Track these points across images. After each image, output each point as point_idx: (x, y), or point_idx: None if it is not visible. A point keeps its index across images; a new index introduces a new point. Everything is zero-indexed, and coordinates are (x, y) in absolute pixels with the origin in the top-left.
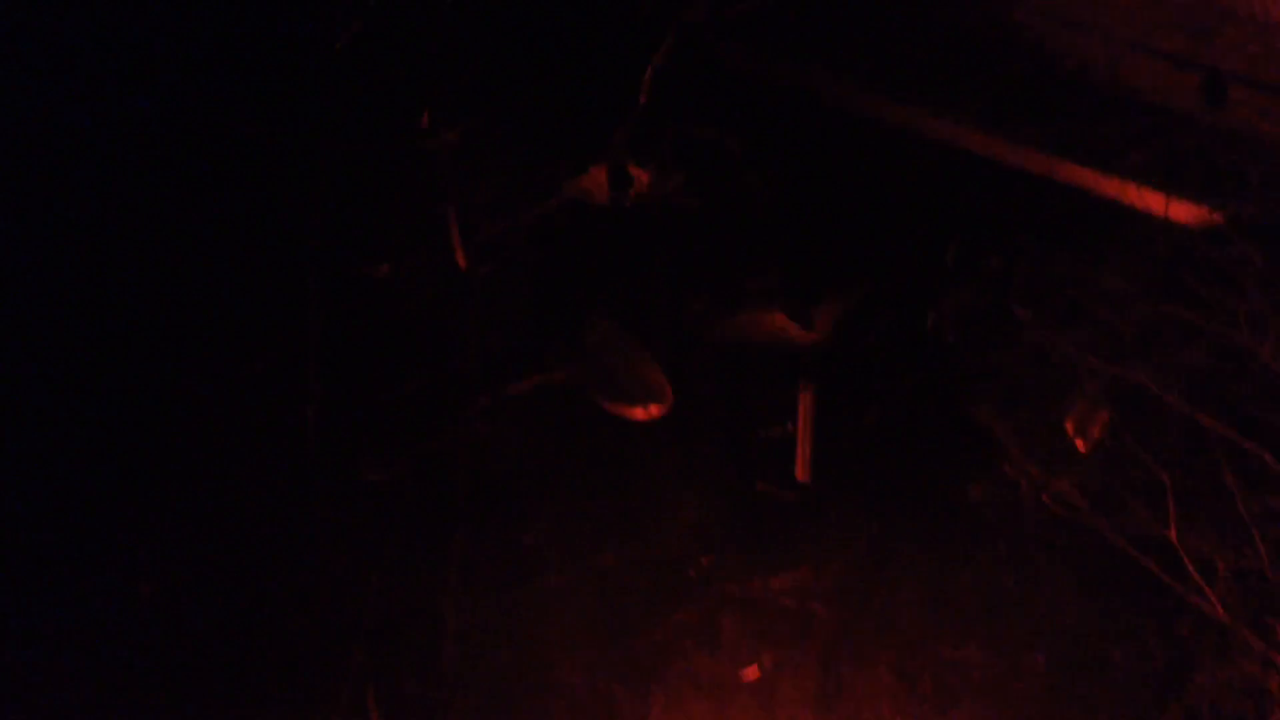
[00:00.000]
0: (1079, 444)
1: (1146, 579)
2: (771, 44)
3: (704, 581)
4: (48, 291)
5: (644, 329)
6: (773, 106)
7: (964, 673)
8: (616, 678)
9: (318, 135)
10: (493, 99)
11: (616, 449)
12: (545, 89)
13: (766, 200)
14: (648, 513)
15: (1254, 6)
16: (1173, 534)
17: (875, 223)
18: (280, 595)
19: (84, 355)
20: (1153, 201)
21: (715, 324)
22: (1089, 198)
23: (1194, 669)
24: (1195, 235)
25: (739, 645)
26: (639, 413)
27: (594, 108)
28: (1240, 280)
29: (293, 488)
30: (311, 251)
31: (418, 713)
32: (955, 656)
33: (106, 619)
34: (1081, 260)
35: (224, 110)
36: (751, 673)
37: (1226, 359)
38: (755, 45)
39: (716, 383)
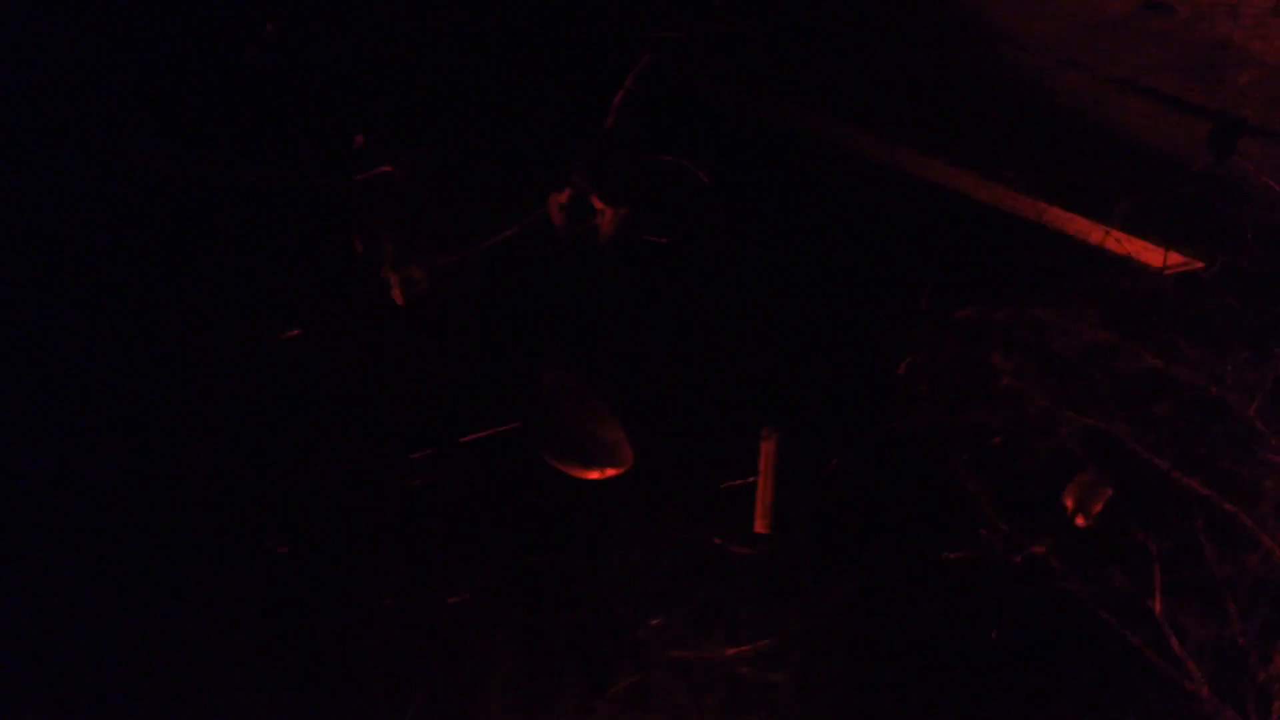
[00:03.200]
0: (1079, 520)
1: (1126, 649)
2: (747, 70)
3: (652, 646)
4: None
5: (602, 379)
6: (744, 136)
7: None
8: None
9: (227, 161)
10: (439, 119)
11: (560, 497)
12: (500, 109)
13: (735, 235)
14: (591, 570)
15: (1262, 47)
16: (1157, 606)
17: (848, 262)
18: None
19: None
20: (1135, 249)
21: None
22: (1070, 242)
23: None
24: (1176, 284)
25: (690, 718)
26: (594, 473)
27: (555, 131)
28: (1218, 332)
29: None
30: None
31: None
32: None
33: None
34: (1060, 308)
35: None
36: None
37: (1201, 411)
38: (730, 71)
39: (672, 428)
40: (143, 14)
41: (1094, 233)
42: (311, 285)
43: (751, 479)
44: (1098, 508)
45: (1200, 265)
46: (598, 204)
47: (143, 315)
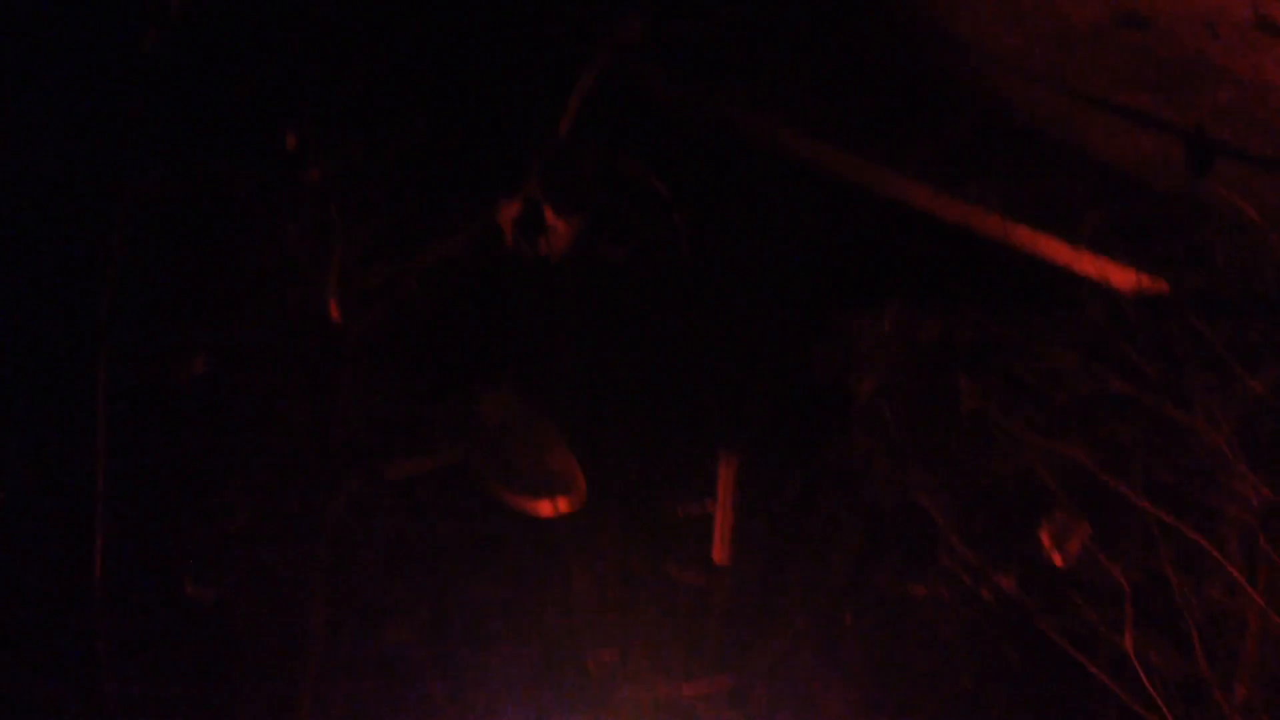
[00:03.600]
0: (1056, 559)
1: (1095, 686)
2: (704, 77)
3: (604, 683)
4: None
5: (549, 402)
6: (703, 148)
7: None
8: None
9: (133, 162)
10: (380, 117)
11: (504, 524)
12: (446, 109)
13: (692, 249)
14: (539, 601)
15: (1239, 63)
16: (1128, 641)
17: (808, 279)
18: None
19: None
20: (1100, 269)
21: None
22: (1034, 262)
23: None
24: (1140, 305)
25: None
26: (544, 507)
27: (505, 135)
28: (1185, 356)
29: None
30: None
31: None
32: None
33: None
34: (1024, 328)
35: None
36: None
37: (1168, 437)
38: (687, 77)
39: (624, 453)
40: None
41: (1060, 252)
42: (232, 300)
43: (709, 505)
44: (1075, 546)
45: (1167, 287)
46: (550, 214)
47: (41, 335)
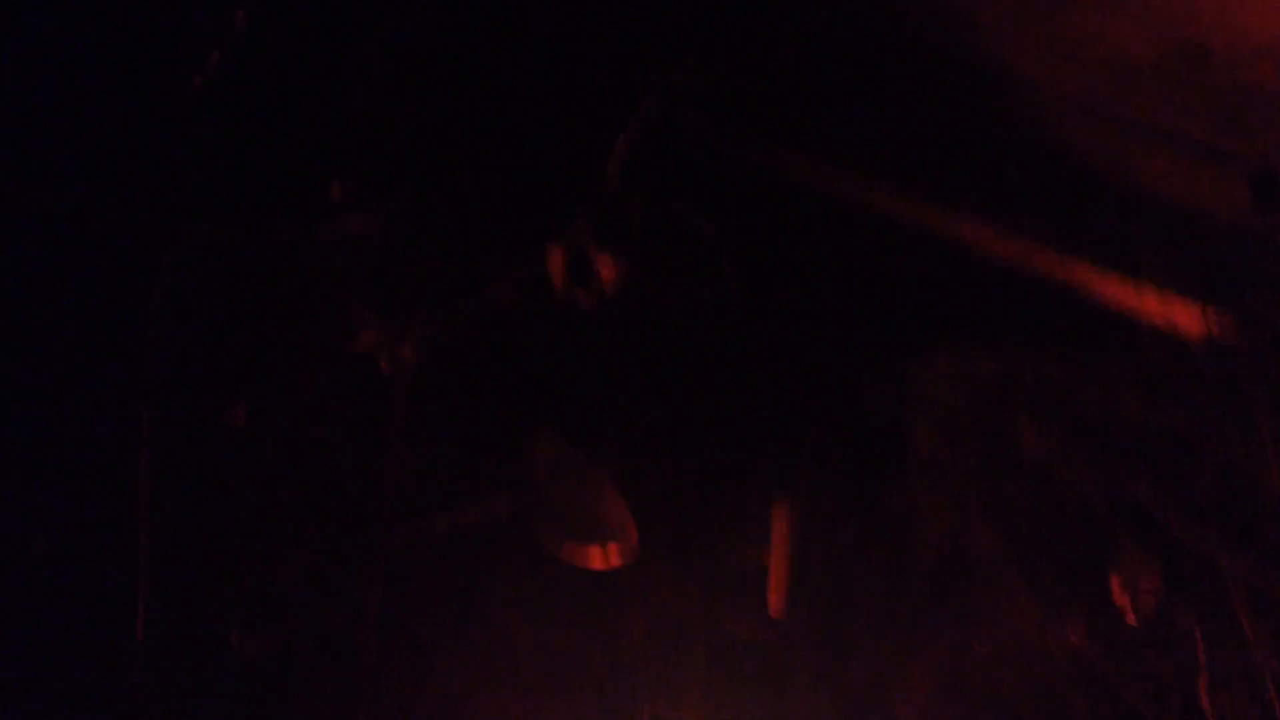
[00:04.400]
0: (1128, 610)
1: None
2: (755, 118)
3: None
4: None
5: (602, 451)
6: (752, 187)
7: None
8: None
9: (182, 209)
10: (427, 164)
11: (555, 573)
12: (494, 155)
13: (741, 293)
14: (593, 657)
15: None
16: (1202, 694)
17: (861, 322)
18: None
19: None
20: (1163, 308)
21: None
22: (1095, 302)
23: None
24: (1206, 345)
25: None
26: (596, 559)
27: (553, 181)
28: (1250, 395)
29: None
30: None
31: None
32: None
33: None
34: (1085, 370)
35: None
36: None
37: (1233, 479)
38: (736, 119)
39: (677, 502)
40: (71, 30)
41: (1122, 291)
42: (279, 349)
43: (763, 556)
44: (1148, 597)
45: (1233, 326)
46: (599, 260)
47: (83, 383)
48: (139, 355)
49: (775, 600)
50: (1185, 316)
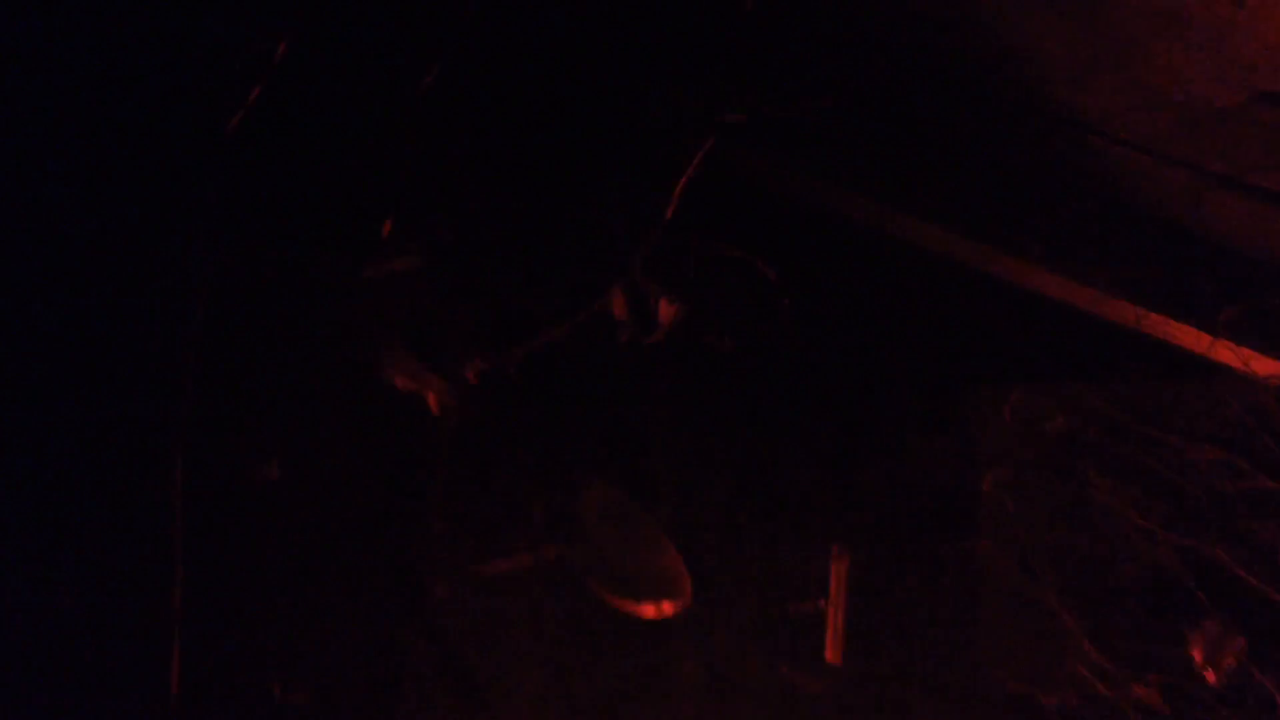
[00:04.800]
0: (1209, 675)
1: None
2: (817, 160)
3: None
4: None
5: (655, 497)
6: (813, 231)
7: None
8: None
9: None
10: (478, 203)
11: (607, 621)
12: (547, 194)
13: (800, 336)
14: (646, 706)
15: None
16: None
17: (924, 367)
18: None
19: None
20: (1238, 358)
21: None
22: (1170, 351)
23: None
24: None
25: None
26: (649, 610)
27: (606, 221)
28: None
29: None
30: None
31: None
32: None
33: None
34: (1156, 420)
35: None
36: None
37: None
38: (799, 159)
39: (730, 547)
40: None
41: (1196, 340)
42: (315, 399)
43: (821, 603)
44: (1230, 661)
45: None
46: (654, 302)
47: (115, 440)
48: (172, 405)
49: (833, 648)
50: (1262, 366)
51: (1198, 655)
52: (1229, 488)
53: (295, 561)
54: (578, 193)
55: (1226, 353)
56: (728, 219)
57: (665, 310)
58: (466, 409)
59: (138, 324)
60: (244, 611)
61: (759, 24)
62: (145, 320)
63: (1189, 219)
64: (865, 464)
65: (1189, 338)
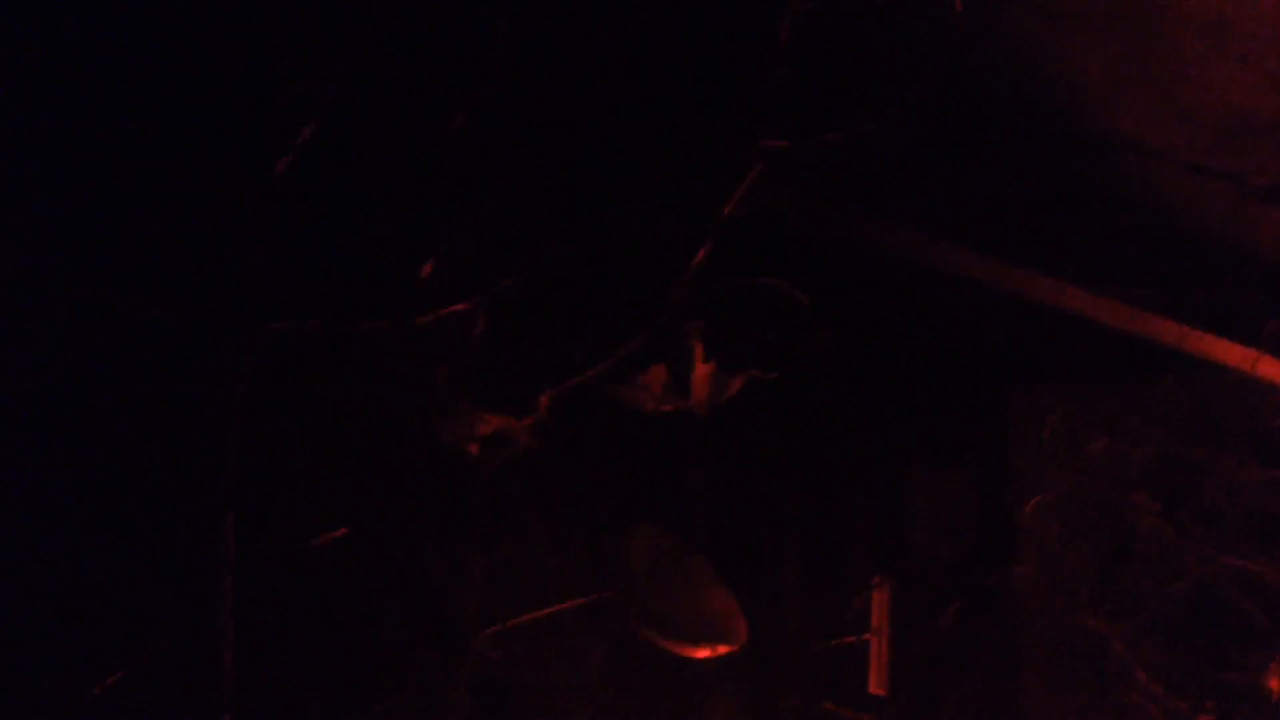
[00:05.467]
0: None
1: None
2: (855, 186)
3: None
4: None
5: (705, 539)
6: (850, 258)
7: None
8: None
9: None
10: (517, 246)
11: (649, 667)
12: (586, 235)
13: (839, 367)
14: None
15: None
16: None
17: (964, 393)
18: None
19: None
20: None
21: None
22: (1213, 370)
23: None
24: None
25: None
26: (703, 653)
27: (644, 259)
28: None
29: None
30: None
31: None
32: None
33: None
34: (1201, 440)
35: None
36: None
37: None
38: (839, 186)
39: (774, 581)
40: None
41: (1240, 358)
42: (364, 452)
43: (864, 635)
44: None
45: None
46: (703, 370)
47: (163, 502)
48: (219, 468)
49: (876, 679)
50: None
51: (1276, 687)
52: (1277, 509)
53: (345, 618)
54: (616, 233)
55: (1270, 371)
56: (761, 250)
57: (709, 379)
58: (509, 456)
59: (180, 378)
60: (293, 667)
61: (792, 55)
62: (188, 374)
63: (1230, 235)
64: (903, 492)
65: (1233, 354)
